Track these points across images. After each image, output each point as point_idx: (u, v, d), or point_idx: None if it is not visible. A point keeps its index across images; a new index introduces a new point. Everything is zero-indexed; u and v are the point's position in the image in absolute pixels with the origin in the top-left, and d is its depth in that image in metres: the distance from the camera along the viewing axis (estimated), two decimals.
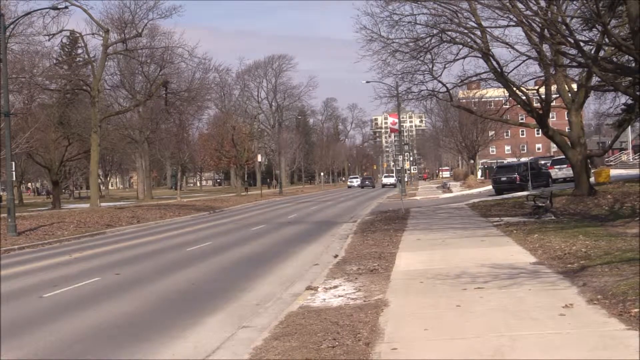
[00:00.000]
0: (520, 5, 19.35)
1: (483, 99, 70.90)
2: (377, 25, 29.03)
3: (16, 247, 25.59)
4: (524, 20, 19.06)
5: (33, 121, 48.67)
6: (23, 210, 51.14)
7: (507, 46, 24.98)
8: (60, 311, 12.32)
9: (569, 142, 31.75)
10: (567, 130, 34.13)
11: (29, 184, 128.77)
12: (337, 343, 8.37)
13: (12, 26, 40.38)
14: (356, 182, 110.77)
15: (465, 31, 27.89)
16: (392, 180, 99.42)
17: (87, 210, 45.20)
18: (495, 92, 52.08)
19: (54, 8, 41.23)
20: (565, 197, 30.09)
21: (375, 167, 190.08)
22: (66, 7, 44.12)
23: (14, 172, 30.96)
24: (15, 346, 9.79)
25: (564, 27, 18.25)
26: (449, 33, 28.37)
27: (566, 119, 33.20)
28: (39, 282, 16.18)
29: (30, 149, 48.33)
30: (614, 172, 49.11)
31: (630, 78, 22.65)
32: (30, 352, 9.51)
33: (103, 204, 55.06)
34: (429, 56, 30.38)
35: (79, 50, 65.78)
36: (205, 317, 11.26)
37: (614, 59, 23.05)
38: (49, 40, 48.95)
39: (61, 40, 61.98)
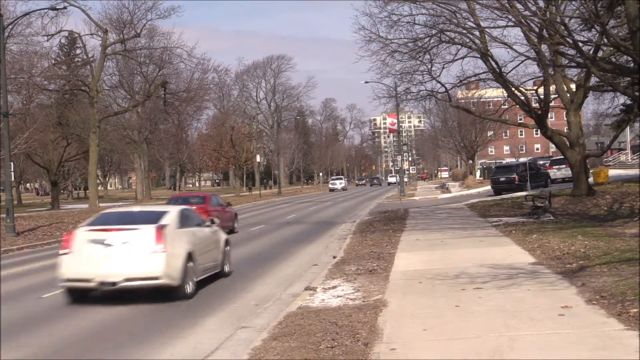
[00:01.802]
0: (519, 6, 19.39)
1: (482, 99, 70.91)
2: (376, 26, 29.05)
3: (15, 247, 25.58)
4: (522, 20, 19.10)
5: (32, 121, 48.72)
6: (22, 211, 51.16)
7: (506, 46, 25.05)
8: (59, 312, 12.31)
9: (567, 143, 31.77)
10: (565, 130, 34.14)
11: (30, 184, 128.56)
12: (336, 343, 8.37)
13: (10, 26, 40.40)
14: (339, 184, 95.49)
15: (464, 31, 27.90)
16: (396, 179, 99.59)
17: (86, 211, 45.20)
18: (494, 93, 52.10)
19: (53, 9, 41.26)
20: (564, 198, 30.10)
21: (374, 168, 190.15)
22: (65, 8, 44.20)
23: (12, 173, 30.92)
24: (14, 347, 9.79)
25: (563, 28, 18.28)
26: (448, 33, 28.38)
27: (565, 119, 33.24)
28: (38, 282, 16.16)
29: (29, 149, 48.33)
30: (612, 172, 49.16)
31: (629, 78, 22.68)
32: (30, 352, 9.51)
33: (102, 205, 55.03)
34: (427, 56, 30.41)
35: (78, 51, 65.86)
36: (204, 318, 11.26)
37: (613, 59, 23.09)
38: (47, 40, 49.08)
39: (60, 41, 62.10)
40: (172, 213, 13.87)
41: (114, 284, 12.41)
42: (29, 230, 31.45)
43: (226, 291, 13.78)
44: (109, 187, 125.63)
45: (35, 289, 15.05)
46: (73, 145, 62.36)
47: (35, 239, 28.48)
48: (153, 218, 13.40)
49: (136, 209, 16.73)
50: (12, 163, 30.75)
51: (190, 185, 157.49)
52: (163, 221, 13.17)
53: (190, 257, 13.21)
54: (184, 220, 14.00)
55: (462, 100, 67.23)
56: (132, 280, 12.48)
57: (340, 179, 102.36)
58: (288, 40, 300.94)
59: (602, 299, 9.63)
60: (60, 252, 13.07)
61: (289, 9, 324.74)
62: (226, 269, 15.90)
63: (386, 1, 27.74)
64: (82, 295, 13.14)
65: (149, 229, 12.73)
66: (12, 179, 31.37)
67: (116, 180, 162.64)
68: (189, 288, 13.04)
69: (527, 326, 8.57)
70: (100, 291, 12.91)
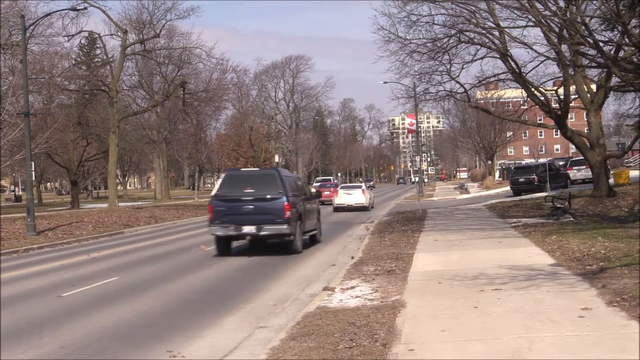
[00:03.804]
0: (538, 6, 19.29)
1: (501, 100, 70.56)
2: (395, 26, 29.03)
3: (35, 246, 25.80)
4: (542, 20, 18.99)
5: (52, 121, 49.05)
6: (42, 210, 51.61)
7: (526, 47, 24.89)
8: (79, 310, 12.40)
9: (587, 143, 31.54)
10: (586, 131, 33.91)
11: (50, 183, 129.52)
12: (354, 344, 8.37)
13: (32, 27, 40.76)
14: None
15: (484, 32, 27.80)
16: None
17: (105, 210, 45.50)
18: (513, 93, 51.83)
19: (73, 9, 41.55)
20: (584, 199, 29.88)
21: (392, 168, 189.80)
22: (85, 9, 44.43)
23: (33, 172, 31.18)
24: (35, 345, 9.87)
25: (583, 28, 18.15)
26: (467, 33, 28.29)
27: (585, 119, 33.02)
28: (58, 281, 16.29)
29: (49, 149, 48.75)
30: (633, 173, 48.75)
31: None
32: (50, 350, 9.57)
33: (121, 204, 55.38)
34: (446, 57, 30.33)
35: (98, 51, 66.23)
36: (222, 318, 11.28)
37: (634, 59, 22.87)
38: (68, 41, 49.47)
39: (80, 41, 62.49)
40: (364, 184, 47.71)
41: (351, 206, 41.60)
42: (49, 229, 31.69)
43: (244, 291, 13.81)
44: (128, 187, 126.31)
45: (55, 287, 15.17)
46: (93, 144, 62.79)
47: (56, 237, 28.69)
48: (360, 187, 44.35)
49: (351, 184, 51.37)
50: (32, 162, 31.00)
51: (209, 185, 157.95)
52: (363, 187, 44.17)
53: (369, 198, 43.84)
54: (366, 186, 46.90)
55: (481, 101, 66.92)
56: (356, 204, 41.63)
57: (329, 180, 75.22)
58: (306, 40, 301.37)
59: (622, 301, 9.55)
60: (334, 197, 43.62)
61: (307, 9, 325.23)
62: (373, 206, 44.94)
63: (405, 1, 27.74)
64: (337, 210, 41.57)
65: (360, 190, 43.01)
66: (33, 178, 31.61)
67: (135, 179, 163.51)
68: (370, 208, 42.81)
69: (546, 328, 8.52)
70: (343, 209, 41.51)
